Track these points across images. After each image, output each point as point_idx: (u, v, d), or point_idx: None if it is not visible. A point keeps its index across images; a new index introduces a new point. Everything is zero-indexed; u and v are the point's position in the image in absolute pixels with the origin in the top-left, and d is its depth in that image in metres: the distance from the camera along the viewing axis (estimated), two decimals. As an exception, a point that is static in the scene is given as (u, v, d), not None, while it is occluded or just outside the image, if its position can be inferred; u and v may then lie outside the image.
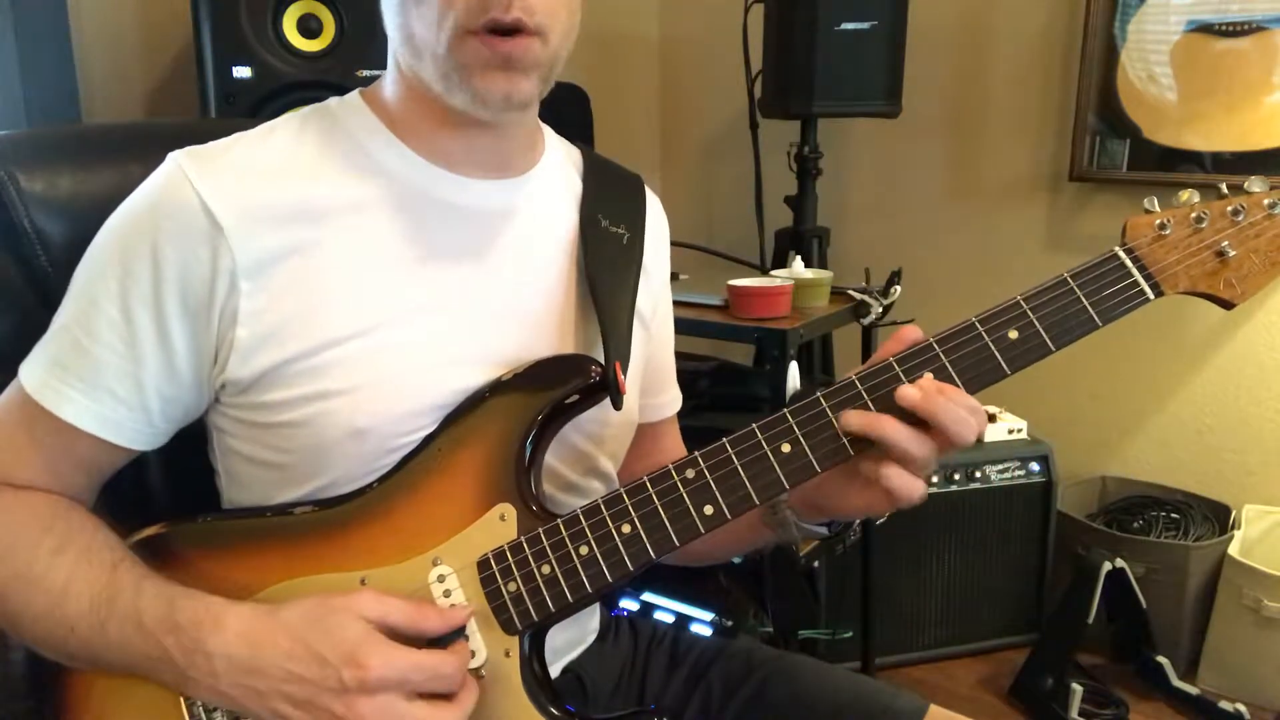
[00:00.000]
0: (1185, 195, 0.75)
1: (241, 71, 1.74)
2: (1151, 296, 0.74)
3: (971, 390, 0.73)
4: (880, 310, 1.83)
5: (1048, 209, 2.33)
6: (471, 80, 0.75)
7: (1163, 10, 2.07)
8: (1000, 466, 2.11)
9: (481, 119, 0.79)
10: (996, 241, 2.40)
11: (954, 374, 0.73)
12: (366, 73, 1.79)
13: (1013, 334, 0.73)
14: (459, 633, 0.73)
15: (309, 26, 1.79)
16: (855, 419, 0.73)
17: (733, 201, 2.69)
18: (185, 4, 1.75)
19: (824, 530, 0.85)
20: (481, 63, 0.74)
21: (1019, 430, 2.16)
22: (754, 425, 0.75)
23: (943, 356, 0.73)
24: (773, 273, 1.92)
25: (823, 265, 2.23)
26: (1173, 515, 2.15)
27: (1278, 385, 2.11)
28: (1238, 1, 1.98)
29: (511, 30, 0.73)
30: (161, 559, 0.77)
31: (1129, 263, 0.74)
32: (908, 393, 0.72)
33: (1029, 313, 0.73)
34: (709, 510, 0.74)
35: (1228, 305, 0.75)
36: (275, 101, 1.76)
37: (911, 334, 0.75)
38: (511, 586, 0.75)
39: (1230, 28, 2.00)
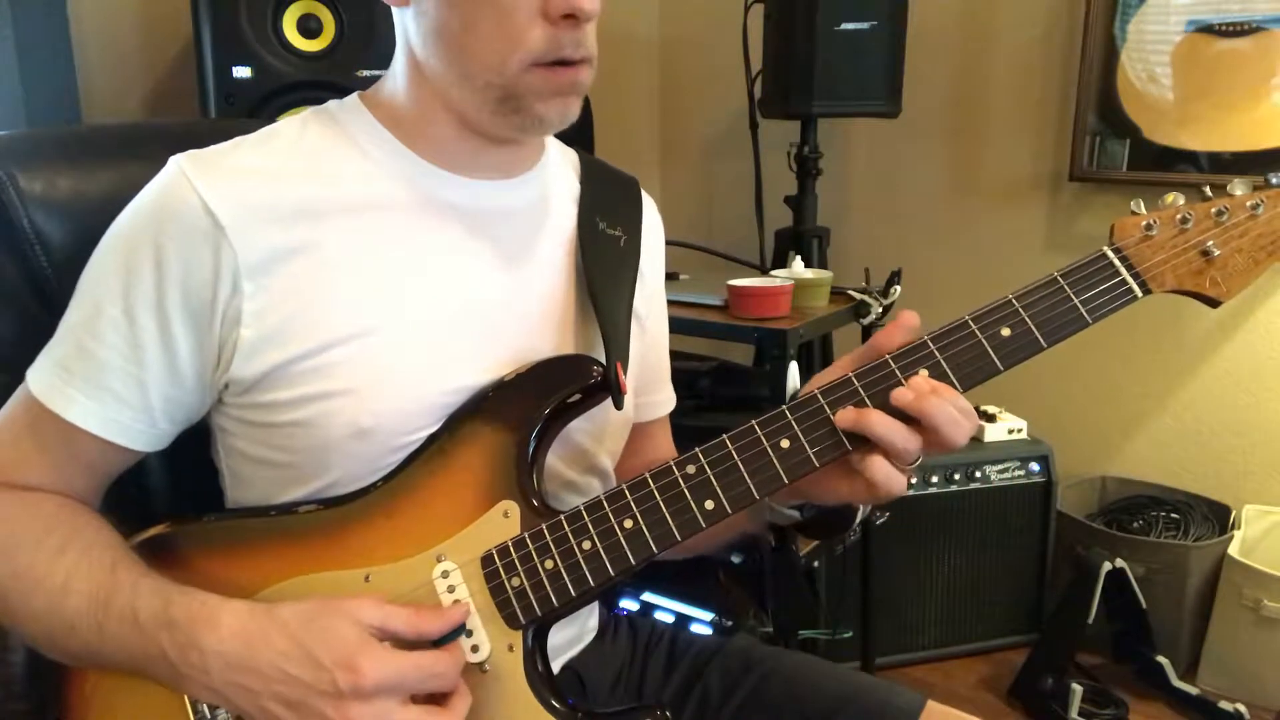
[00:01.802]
0: (1170, 197, 0.76)
1: (241, 71, 1.74)
2: (1139, 295, 0.75)
3: (966, 386, 0.74)
4: (880, 310, 1.84)
5: (1048, 209, 2.33)
6: (532, 108, 0.78)
7: (1163, 10, 2.07)
8: (1000, 466, 2.11)
9: (517, 140, 0.83)
10: (996, 241, 2.40)
11: (948, 370, 0.74)
12: (366, 73, 1.79)
13: (1005, 331, 0.74)
14: (460, 630, 0.74)
15: (309, 26, 1.79)
16: (846, 415, 0.74)
17: (733, 201, 2.69)
18: (185, 4, 1.75)
19: (795, 514, 0.86)
20: (544, 92, 0.77)
21: (1019, 430, 2.16)
22: (754, 422, 0.75)
23: (937, 354, 0.74)
24: (773, 273, 1.92)
25: (823, 265, 2.23)
26: (1173, 515, 2.15)
27: (1277, 386, 2.11)
28: (1238, 1, 1.98)
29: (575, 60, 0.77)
30: (165, 559, 0.77)
31: (1117, 262, 0.75)
32: (901, 394, 0.73)
33: (1021, 311, 0.74)
34: (710, 505, 0.75)
35: (1214, 303, 0.76)
36: (275, 101, 1.76)
37: (911, 320, 0.76)
38: (515, 581, 0.75)
39: (1230, 28, 2.00)
